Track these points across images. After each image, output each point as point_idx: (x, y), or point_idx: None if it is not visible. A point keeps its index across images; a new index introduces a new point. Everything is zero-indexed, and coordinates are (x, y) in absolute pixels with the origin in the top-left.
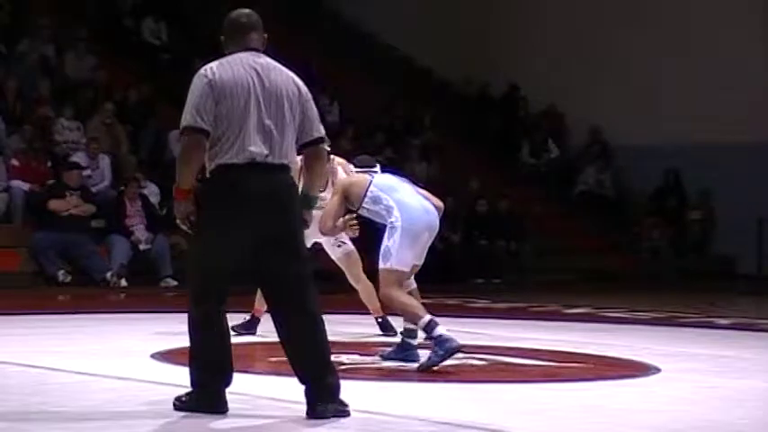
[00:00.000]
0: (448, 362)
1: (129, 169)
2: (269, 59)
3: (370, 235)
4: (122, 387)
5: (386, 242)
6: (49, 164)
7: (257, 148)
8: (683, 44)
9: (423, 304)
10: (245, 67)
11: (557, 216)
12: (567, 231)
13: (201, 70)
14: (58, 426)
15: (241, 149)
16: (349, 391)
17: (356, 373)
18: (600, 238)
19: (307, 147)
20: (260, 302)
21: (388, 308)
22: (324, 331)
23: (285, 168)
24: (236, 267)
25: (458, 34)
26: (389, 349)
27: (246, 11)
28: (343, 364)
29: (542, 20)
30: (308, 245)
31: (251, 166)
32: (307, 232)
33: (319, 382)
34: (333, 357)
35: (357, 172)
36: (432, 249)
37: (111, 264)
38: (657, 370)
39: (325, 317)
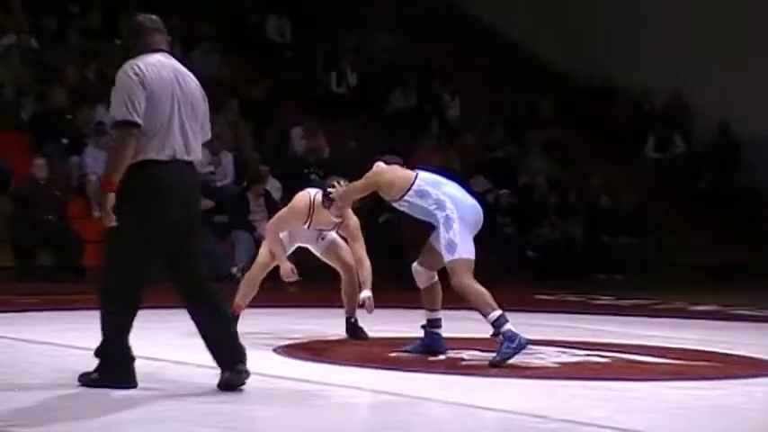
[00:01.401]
0: (570, 359)
1: (252, 166)
2: (180, 65)
3: None
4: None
5: (446, 235)
6: None
7: (178, 146)
8: None
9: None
10: (167, 70)
11: (682, 211)
12: (693, 226)
13: (128, 68)
14: (180, 418)
15: (164, 147)
16: (470, 388)
17: (477, 369)
18: (726, 233)
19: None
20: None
21: (462, 298)
22: (230, 320)
23: (194, 165)
24: (154, 256)
25: (581, 26)
26: (413, 344)
27: (151, 16)
28: (464, 360)
29: (672, 11)
30: (291, 250)
31: (172, 162)
32: (286, 239)
33: (237, 367)
34: (453, 354)
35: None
36: (554, 245)
37: (236, 259)
38: None
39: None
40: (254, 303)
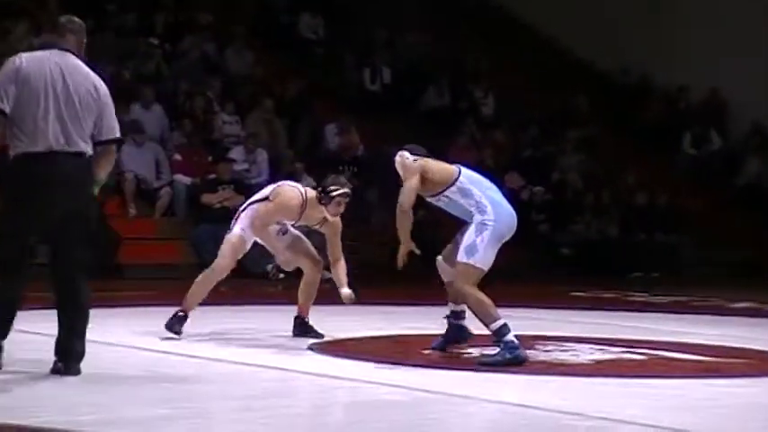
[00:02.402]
0: (605, 356)
1: (286, 163)
2: (77, 62)
3: None
4: (281, 378)
5: (473, 237)
6: (210, 158)
7: (54, 137)
8: None
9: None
10: (51, 64)
11: (718, 208)
12: (729, 224)
13: (13, 57)
14: (215, 415)
15: (39, 138)
16: (505, 385)
17: (511, 366)
18: (762, 230)
19: (100, 144)
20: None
21: (462, 302)
22: (86, 319)
23: (80, 155)
24: (32, 243)
25: (616, 24)
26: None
27: (74, 18)
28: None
29: (709, 9)
30: (248, 246)
31: (49, 153)
32: (247, 235)
33: (73, 357)
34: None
35: (414, 160)
36: (589, 242)
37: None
38: None
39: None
40: (288, 301)
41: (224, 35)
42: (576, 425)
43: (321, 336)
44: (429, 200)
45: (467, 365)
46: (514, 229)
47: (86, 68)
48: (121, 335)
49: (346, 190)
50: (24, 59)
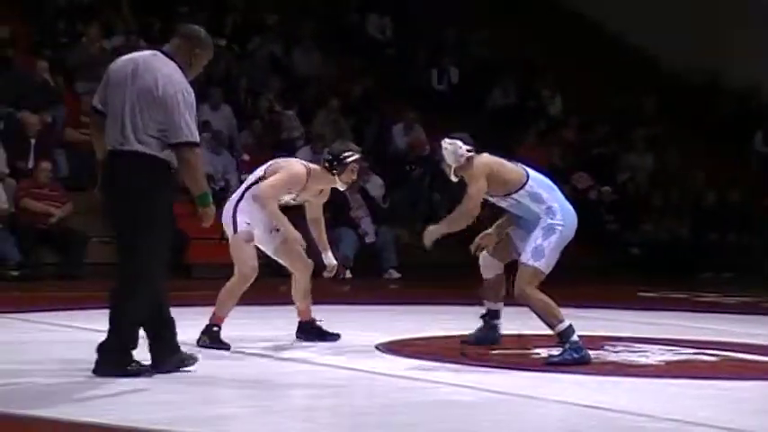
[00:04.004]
0: (675, 357)
1: None
2: (159, 62)
3: None
4: (346, 377)
5: (540, 240)
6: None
7: (114, 136)
8: None
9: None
10: (133, 64)
11: None
12: None
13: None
14: (284, 413)
15: (109, 137)
16: (573, 386)
17: (581, 367)
18: None
19: (173, 149)
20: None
21: (524, 304)
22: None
23: (137, 155)
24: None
25: (687, 22)
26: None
27: (195, 26)
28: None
29: None
30: (257, 235)
31: (111, 152)
32: (251, 226)
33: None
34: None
35: (468, 150)
36: (658, 242)
37: (340, 256)
38: None
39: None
40: (356, 301)
41: (292, 36)
42: (646, 426)
43: (337, 336)
44: (492, 200)
45: (534, 366)
46: (575, 227)
47: (164, 68)
48: (192, 334)
49: (359, 156)
50: (115, 62)
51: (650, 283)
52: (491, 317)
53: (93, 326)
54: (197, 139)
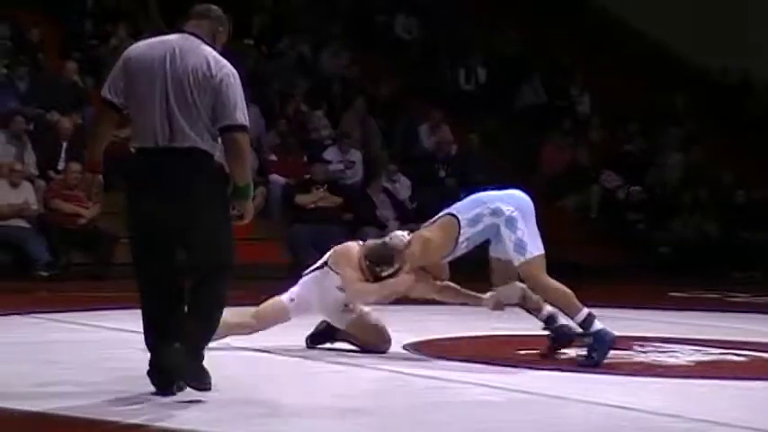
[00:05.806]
0: (705, 357)
1: (381, 164)
2: (197, 44)
3: None
4: (375, 378)
5: (512, 236)
6: (305, 158)
7: (160, 130)
8: None
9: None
10: (165, 49)
11: None
12: None
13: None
14: (314, 413)
15: (147, 132)
16: (602, 386)
17: (610, 368)
18: None
19: (221, 133)
20: None
21: (543, 297)
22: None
23: (191, 152)
24: (149, 251)
25: (716, 20)
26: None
27: (212, 6)
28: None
29: None
30: (291, 318)
31: (154, 150)
32: (302, 307)
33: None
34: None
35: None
36: (687, 242)
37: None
38: None
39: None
40: (382, 300)
41: (320, 36)
42: (675, 427)
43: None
44: (456, 255)
45: (564, 366)
46: (530, 200)
47: (207, 51)
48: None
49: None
50: (133, 48)
51: (680, 282)
52: (549, 323)
53: (122, 326)
54: (248, 123)
